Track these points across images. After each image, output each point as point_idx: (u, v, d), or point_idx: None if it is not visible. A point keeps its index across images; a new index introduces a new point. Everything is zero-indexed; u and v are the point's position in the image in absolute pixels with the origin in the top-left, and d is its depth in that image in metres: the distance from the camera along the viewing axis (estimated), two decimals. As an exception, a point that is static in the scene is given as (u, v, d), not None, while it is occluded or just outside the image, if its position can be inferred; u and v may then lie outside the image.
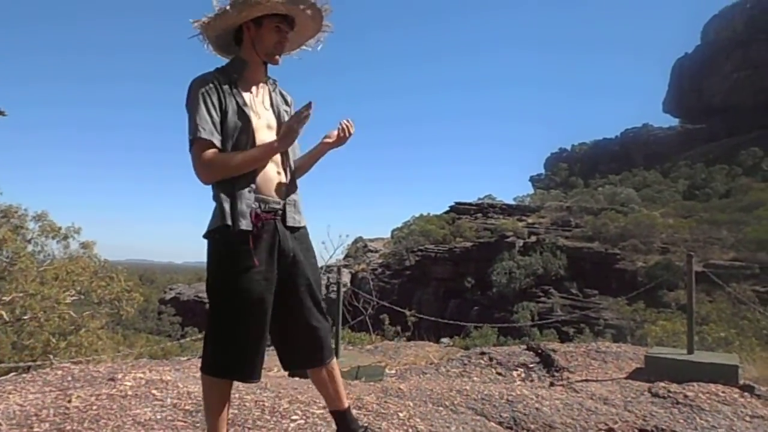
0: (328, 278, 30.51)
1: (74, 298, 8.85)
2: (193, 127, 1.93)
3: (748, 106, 72.62)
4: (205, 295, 2.06)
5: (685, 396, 3.42)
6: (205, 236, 2.01)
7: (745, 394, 3.55)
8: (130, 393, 3.03)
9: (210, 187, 2.01)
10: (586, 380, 3.95)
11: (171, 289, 53.05)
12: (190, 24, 2.06)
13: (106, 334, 9.64)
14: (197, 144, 1.93)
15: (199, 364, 2.07)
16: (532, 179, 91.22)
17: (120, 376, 3.32)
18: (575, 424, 3.01)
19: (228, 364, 1.96)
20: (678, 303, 25.99)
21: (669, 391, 3.50)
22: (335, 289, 4.49)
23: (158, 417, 2.66)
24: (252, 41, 2.07)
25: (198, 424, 2.58)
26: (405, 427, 2.68)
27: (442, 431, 2.69)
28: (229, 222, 1.92)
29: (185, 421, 2.63)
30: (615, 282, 32.95)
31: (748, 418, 3.15)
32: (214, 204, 2.00)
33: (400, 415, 2.84)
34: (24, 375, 3.70)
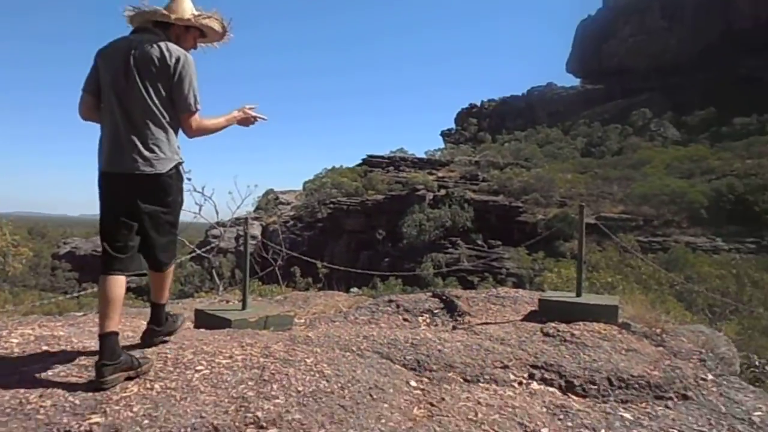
0: (237, 231, 29.80)
1: (-49, 253, 8.08)
2: (196, 101, 2.69)
3: (641, 70, 77.53)
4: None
5: (572, 334, 3.72)
6: (171, 170, 2.66)
7: (623, 330, 3.93)
8: (17, 350, 2.84)
9: (153, 132, 2.61)
10: (486, 323, 4.18)
11: (65, 244, 49.71)
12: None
13: (-10, 292, 8.92)
14: (196, 113, 2.71)
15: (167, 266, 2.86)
16: (442, 134, 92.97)
17: (5, 333, 3.09)
18: (474, 363, 3.20)
19: None
20: (573, 252, 27.99)
21: (558, 331, 3.80)
22: (243, 241, 4.40)
23: (50, 374, 2.52)
24: (177, 38, 2.77)
25: (94, 379, 2.47)
26: (312, 373, 2.73)
27: (348, 375, 2.77)
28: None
29: (80, 376, 2.51)
30: (517, 233, 34.85)
31: (623, 352, 3.50)
32: (163, 148, 2.62)
33: (308, 361, 2.88)
34: None
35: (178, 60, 2.62)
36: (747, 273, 14.11)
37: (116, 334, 2.49)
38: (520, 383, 3.08)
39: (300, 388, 2.53)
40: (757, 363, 5.66)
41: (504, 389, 2.96)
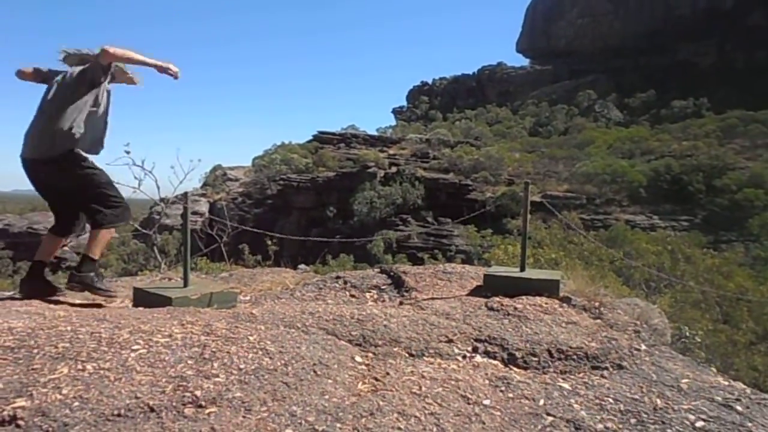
0: (184, 207, 28.79)
1: None
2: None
3: (587, 52, 79.50)
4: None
5: (515, 308, 3.80)
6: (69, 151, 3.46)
7: (564, 304, 4.04)
8: (-65, 332, 2.65)
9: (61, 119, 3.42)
10: (432, 298, 4.22)
11: (-2, 220, 47.05)
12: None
13: None
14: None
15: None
16: (394, 111, 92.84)
17: None
18: (419, 337, 3.22)
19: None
20: (519, 229, 28.65)
21: (502, 305, 3.87)
22: (184, 216, 4.25)
23: (-29, 356, 2.36)
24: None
25: (20, 361, 2.34)
26: (255, 350, 2.68)
27: (293, 351, 2.73)
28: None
29: (5, 358, 2.37)
30: (467, 211, 35.28)
31: (563, 325, 3.60)
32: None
33: (251, 338, 2.82)
34: None
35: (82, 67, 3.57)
36: (681, 249, 14.81)
37: (42, 263, 3.67)
38: (464, 357, 3.13)
39: (242, 366, 2.48)
40: (687, 334, 5.99)
41: (448, 363, 3.00)
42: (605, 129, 56.55)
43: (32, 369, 2.27)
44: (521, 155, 46.36)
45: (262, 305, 4.02)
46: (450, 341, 3.25)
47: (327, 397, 2.36)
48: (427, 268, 5.24)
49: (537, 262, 11.11)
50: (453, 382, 2.69)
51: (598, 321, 3.84)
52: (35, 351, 2.45)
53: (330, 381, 2.53)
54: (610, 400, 2.69)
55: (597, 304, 4.16)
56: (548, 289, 4.21)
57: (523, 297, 4.07)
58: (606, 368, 3.14)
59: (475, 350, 3.20)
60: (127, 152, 6.65)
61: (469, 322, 3.55)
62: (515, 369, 3.05)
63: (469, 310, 3.83)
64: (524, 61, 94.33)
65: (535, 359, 3.13)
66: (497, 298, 4.03)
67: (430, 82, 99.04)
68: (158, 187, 7.69)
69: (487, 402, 2.54)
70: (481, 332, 3.37)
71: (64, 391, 2.09)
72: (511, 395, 2.66)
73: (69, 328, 2.75)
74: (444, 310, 3.79)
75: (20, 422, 1.91)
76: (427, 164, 43.07)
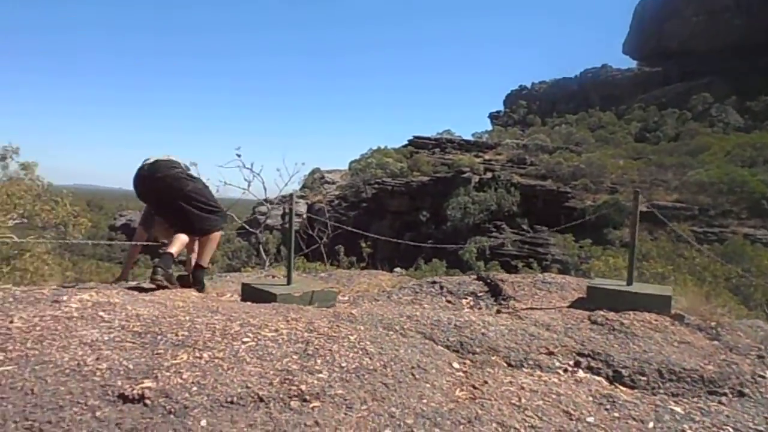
0: (284, 208, 30.21)
1: (16, 221, 8.47)
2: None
3: (702, 52, 73.78)
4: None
5: (621, 323, 3.61)
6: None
7: (676, 322, 3.78)
8: (75, 314, 2.96)
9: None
10: (531, 308, 4.11)
11: (121, 216, 51.77)
12: None
13: (52, 259, 9.34)
14: None
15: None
16: (490, 116, 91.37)
17: (65, 298, 3.23)
18: (518, 348, 3.15)
19: None
20: (622, 240, 27.17)
21: (607, 319, 3.69)
22: (288, 218, 4.45)
23: (106, 338, 2.62)
24: None
25: (147, 345, 2.56)
26: (355, 350, 2.75)
27: (391, 353, 2.77)
28: None
29: (134, 342, 2.60)
30: (564, 219, 34.01)
31: (676, 344, 3.37)
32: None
33: (351, 338, 2.90)
34: (-38, 296, 3.56)
35: None
36: (811, 268, 13.35)
37: (171, 254, 3.85)
38: (566, 370, 3.02)
39: (343, 364, 2.55)
40: (819, 362, 5.37)
41: (549, 376, 2.91)
42: (722, 135, 52.13)
43: (156, 353, 2.48)
44: (626, 162, 43.86)
45: (361, 306, 4.12)
46: (551, 353, 3.15)
47: (425, 401, 2.37)
48: (525, 277, 5.12)
49: (642, 275, 10.47)
50: (554, 396, 2.60)
51: (715, 342, 3.56)
52: (159, 337, 2.68)
53: (428, 385, 2.54)
54: (730, 429, 2.48)
55: (713, 323, 3.86)
56: (658, 305, 3.96)
57: (630, 312, 3.86)
58: (724, 394, 2.90)
59: (577, 364, 3.08)
60: (238, 155, 7.09)
61: (571, 335, 3.43)
62: (621, 387, 2.90)
63: (571, 322, 3.69)
64: (631, 63, 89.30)
65: (644, 379, 2.95)
66: (601, 312, 3.86)
67: (528, 86, 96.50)
68: (265, 189, 8.14)
69: (590, 419, 2.43)
70: (584, 346, 3.24)
71: (184, 376, 2.27)
72: (617, 414, 2.53)
73: (187, 318, 2.98)
74: (544, 321, 3.68)
75: (147, 401, 2.09)
76: (524, 170, 41.99)
